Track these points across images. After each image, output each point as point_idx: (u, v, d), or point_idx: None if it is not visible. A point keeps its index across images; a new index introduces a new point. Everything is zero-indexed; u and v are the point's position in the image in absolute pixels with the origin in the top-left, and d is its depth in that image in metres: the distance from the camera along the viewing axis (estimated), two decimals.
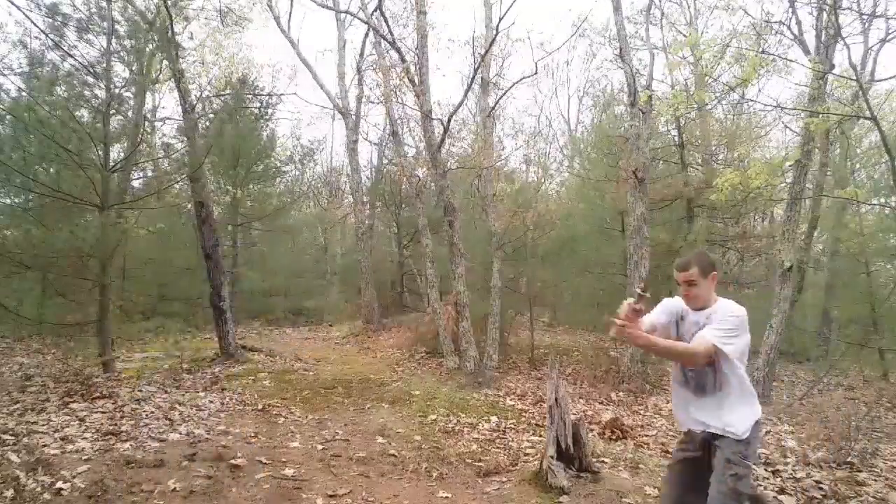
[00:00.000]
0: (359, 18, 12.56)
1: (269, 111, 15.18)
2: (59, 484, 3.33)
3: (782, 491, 3.87)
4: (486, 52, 10.31)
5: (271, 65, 17.34)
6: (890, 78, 14.89)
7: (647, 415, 7.03)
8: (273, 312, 14.90)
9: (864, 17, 8.55)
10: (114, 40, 7.11)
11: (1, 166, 6.02)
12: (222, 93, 12.32)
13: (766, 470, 4.38)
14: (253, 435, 4.92)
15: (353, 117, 15.42)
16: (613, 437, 5.49)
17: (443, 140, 9.29)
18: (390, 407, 6.50)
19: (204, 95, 11.50)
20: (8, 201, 7.39)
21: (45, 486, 3.27)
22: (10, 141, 6.36)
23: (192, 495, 3.41)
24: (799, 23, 8.81)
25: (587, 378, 8.91)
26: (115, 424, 4.72)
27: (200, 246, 8.88)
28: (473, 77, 10.08)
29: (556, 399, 3.98)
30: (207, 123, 12.16)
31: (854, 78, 5.94)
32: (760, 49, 8.20)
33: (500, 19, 8.85)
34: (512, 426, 5.92)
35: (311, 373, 8.34)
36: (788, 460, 4.67)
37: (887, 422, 6.93)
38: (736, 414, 2.37)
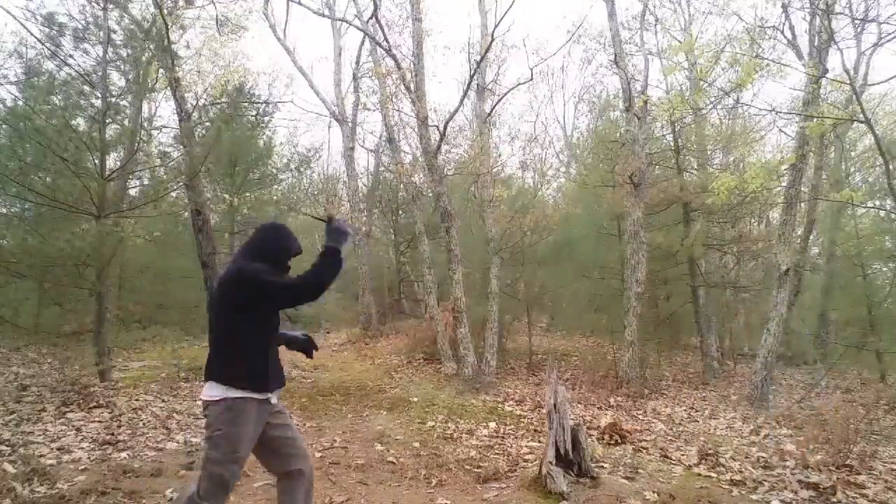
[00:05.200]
0: (354, 26, 12.64)
1: (266, 118, 15.17)
2: (56, 493, 3.30)
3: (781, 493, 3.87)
4: (482, 58, 10.36)
5: (268, 72, 17.25)
6: (883, 82, 15.00)
7: (646, 419, 7.02)
8: None
9: (857, 21, 8.65)
10: (110, 49, 7.14)
11: None
12: (219, 101, 12.32)
13: (764, 472, 4.38)
14: None
15: (350, 124, 15.45)
16: (612, 442, 5.48)
17: (439, 146, 9.32)
18: (389, 413, 6.48)
19: (200, 103, 11.49)
20: (4, 210, 7.39)
21: (41, 496, 3.24)
22: (7, 149, 6.34)
23: None
24: (792, 28, 8.92)
25: (586, 382, 8.90)
26: (112, 433, 4.70)
27: (197, 254, 8.86)
28: (469, 83, 10.11)
29: (554, 404, 3.98)
30: (204, 131, 12.15)
31: (848, 82, 6.01)
32: (755, 54, 8.26)
33: (496, 26, 8.94)
34: (511, 431, 5.91)
35: (308, 380, 8.31)
36: (787, 463, 4.67)
37: (885, 424, 6.94)
38: None
